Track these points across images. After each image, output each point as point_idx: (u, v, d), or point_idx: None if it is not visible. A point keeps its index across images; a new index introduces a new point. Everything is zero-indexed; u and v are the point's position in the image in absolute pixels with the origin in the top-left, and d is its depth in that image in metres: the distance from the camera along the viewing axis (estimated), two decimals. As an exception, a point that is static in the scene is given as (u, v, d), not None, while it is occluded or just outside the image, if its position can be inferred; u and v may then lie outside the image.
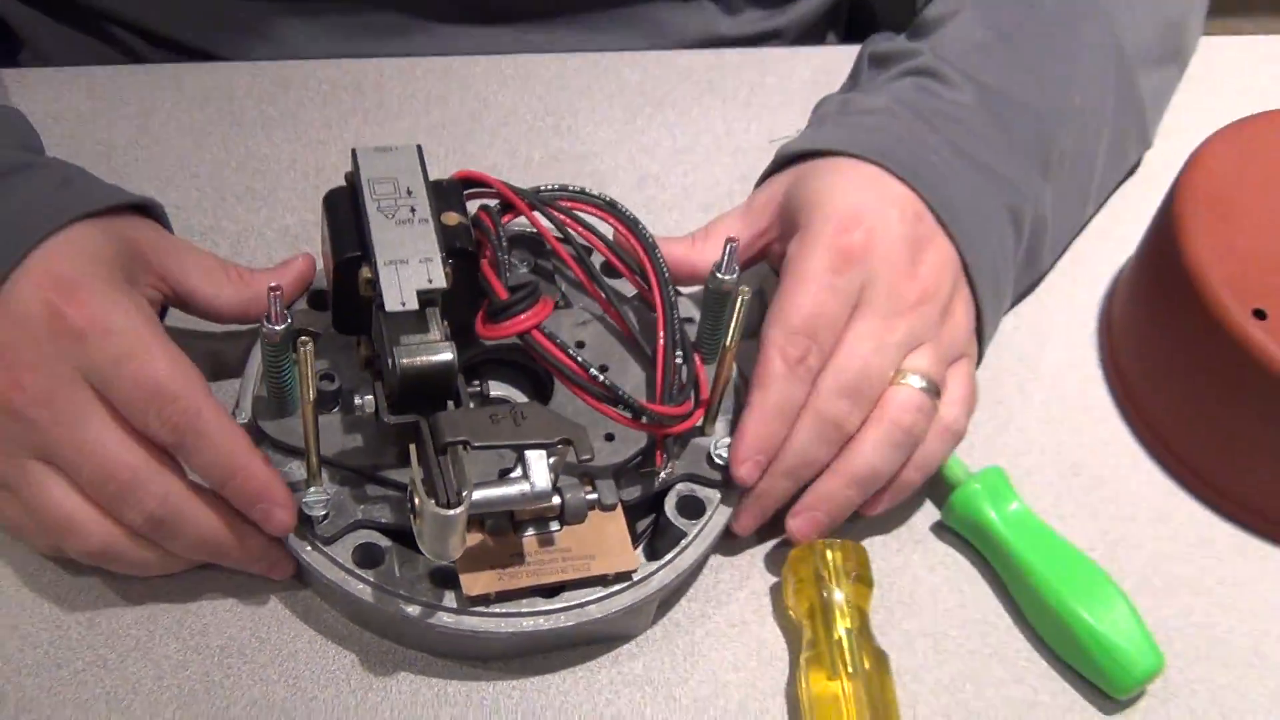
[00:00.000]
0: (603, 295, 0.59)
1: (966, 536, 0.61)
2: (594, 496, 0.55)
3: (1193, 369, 0.63)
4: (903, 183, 0.60)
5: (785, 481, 0.58)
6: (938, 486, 0.61)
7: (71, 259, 0.53)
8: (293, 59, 0.76)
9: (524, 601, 0.54)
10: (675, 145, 0.74)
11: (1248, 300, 0.61)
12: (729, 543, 0.59)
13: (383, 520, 0.54)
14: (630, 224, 0.59)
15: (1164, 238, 0.64)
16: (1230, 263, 0.62)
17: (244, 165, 0.70)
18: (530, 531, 0.54)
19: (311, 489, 0.54)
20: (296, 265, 0.59)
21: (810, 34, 0.89)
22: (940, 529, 0.62)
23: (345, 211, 0.55)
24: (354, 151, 0.56)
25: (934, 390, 0.58)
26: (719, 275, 0.56)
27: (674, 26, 0.82)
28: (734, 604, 0.58)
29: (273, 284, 0.51)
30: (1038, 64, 0.68)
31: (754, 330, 0.59)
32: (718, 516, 0.57)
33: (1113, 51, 0.69)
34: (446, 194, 0.56)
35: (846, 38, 0.93)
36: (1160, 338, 0.65)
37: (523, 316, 0.54)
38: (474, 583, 0.53)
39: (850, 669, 0.54)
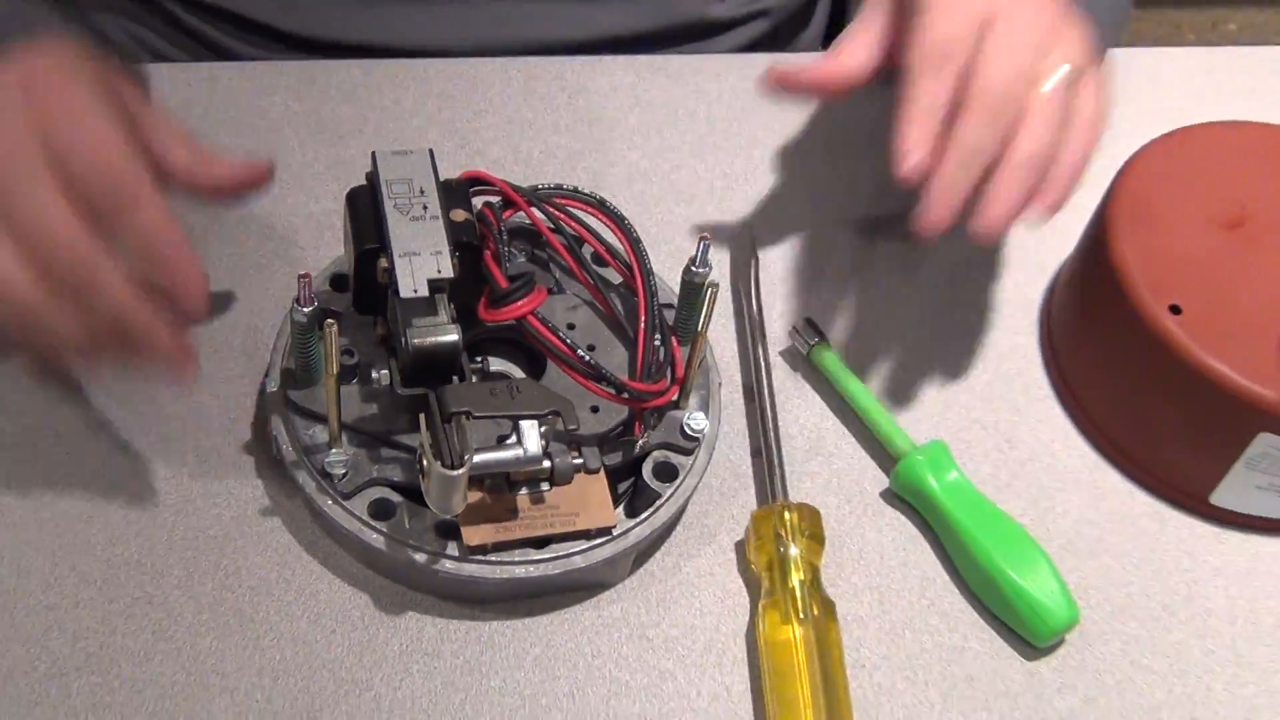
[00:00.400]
0: (591, 283, 0.66)
1: (910, 502, 0.67)
2: (579, 461, 0.61)
3: (1117, 357, 0.70)
4: None
5: (960, 171, 0.62)
6: (886, 457, 0.69)
7: (57, 63, 0.58)
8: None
9: (517, 551, 0.60)
10: (662, 144, 0.81)
11: (1165, 297, 0.67)
12: (703, 503, 0.66)
13: (394, 479, 0.61)
14: (617, 219, 0.66)
15: (1096, 238, 0.71)
16: (1151, 262, 0.68)
17: (272, 157, 0.77)
18: (523, 491, 0.61)
19: (333, 450, 0.61)
20: (258, 166, 0.64)
21: (798, 15, 0.95)
22: (887, 495, 0.68)
23: (365, 208, 0.62)
24: (374, 154, 0.63)
25: (1076, 79, 0.64)
26: (693, 269, 0.63)
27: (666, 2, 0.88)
28: (702, 558, 0.65)
29: (302, 272, 0.59)
30: None
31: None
32: (689, 480, 0.64)
33: None
34: (455, 193, 0.63)
35: (831, 16, 0.99)
36: (1090, 328, 0.72)
37: (520, 303, 0.61)
38: (474, 534, 0.60)
39: (801, 615, 0.61)
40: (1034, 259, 0.78)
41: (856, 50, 0.67)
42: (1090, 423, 0.72)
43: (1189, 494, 0.69)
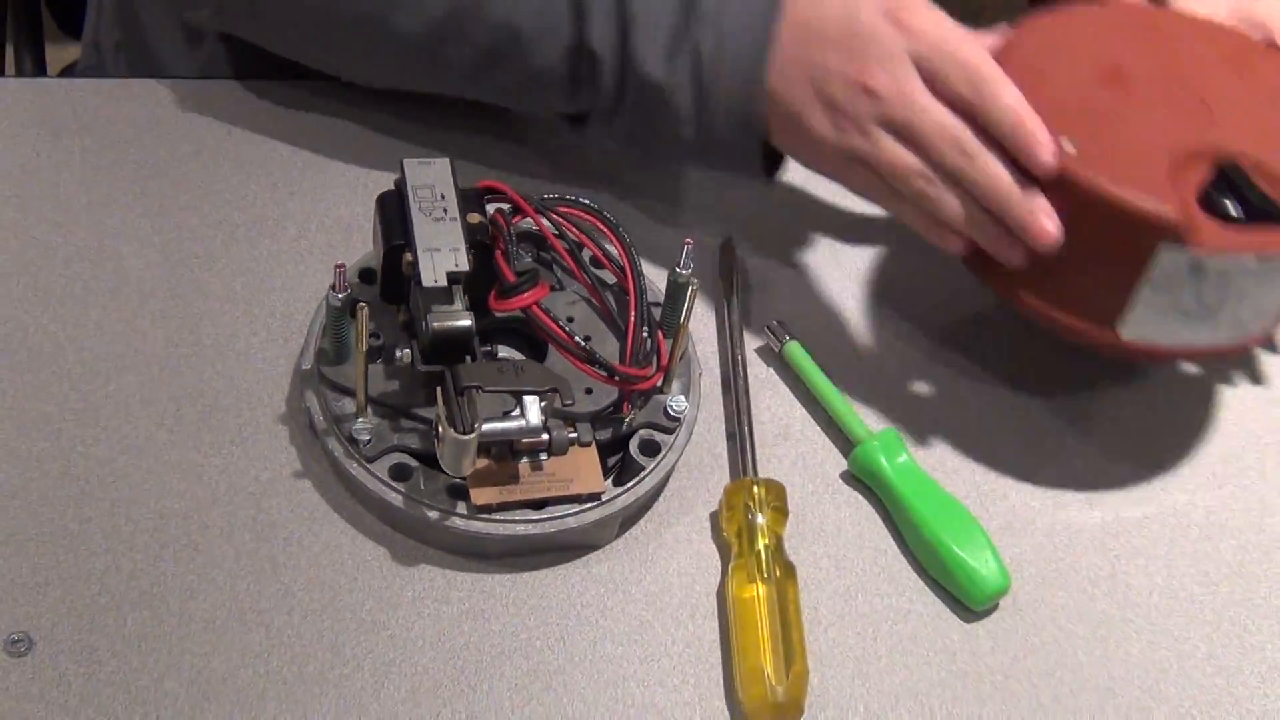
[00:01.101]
0: (589, 282, 0.74)
1: (866, 482, 0.75)
2: (574, 435, 0.69)
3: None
4: None
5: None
6: (845, 441, 0.77)
7: None
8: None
9: (517, 512, 0.68)
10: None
11: (1055, 136, 0.69)
12: (682, 477, 0.74)
13: (412, 446, 0.68)
14: (612, 227, 0.74)
15: None
16: (1040, 110, 0.70)
17: (309, 165, 0.86)
18: (524, 459, 0.68)
19: (359, 420, 0.68)
20: None
21: None
22: (846, 476, 0.76)
23: (393, 209, 0.70)
24: (402, 163, 0.71)
25: None
26: (678, 270, 0.71)
27: None
28: (680, 525, 0.73)
29: (338, 262, 0.67)
30: None
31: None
32: (670, 456, 0.71)
33: None
34: (471, 199, 0.71)
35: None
36: None
37: (525, 295, 0.69)
38: (481, 495, 0.67)
39: (765, 575, 0.68)
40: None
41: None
42: (1007, 283, 0.73)
43: (1102, 329, 0.71)
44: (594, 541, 0.71)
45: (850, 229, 0.89)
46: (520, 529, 0.68)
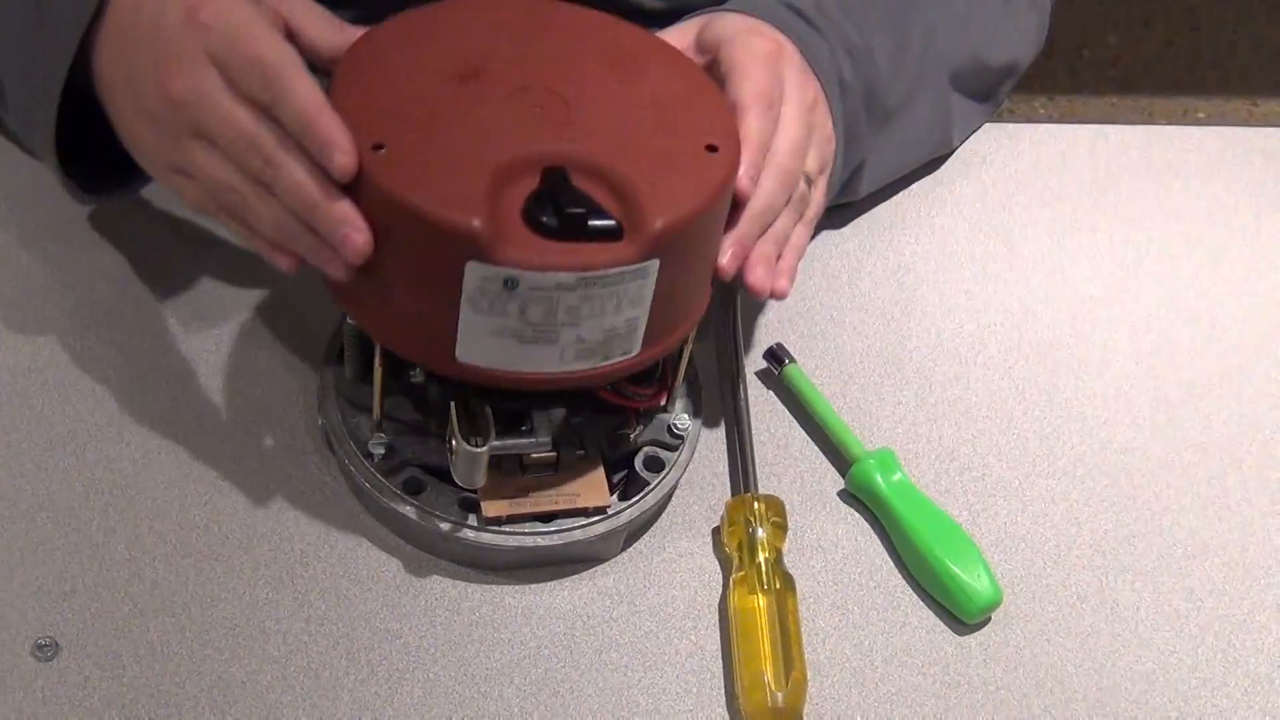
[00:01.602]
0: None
1: (862, 499, 0.77)
2: (582, 451, 0.71)
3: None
4: (782, 33, 0.76)
5: (757, 225, 0.70)
6: (842, 460, 0.79)
7: None
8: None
9: (527, 525, 0.70)
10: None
11: (370, 136, 0.63)
12: (685, 493, 0.77)
13: (425, 461, 0.71)
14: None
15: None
16: (363, 106, 0.64)
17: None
18: (534, 473, 0.71)
19: (375, 435, 0.71)
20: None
21: None
22: (843, 494, 0.78)
23: None
24: None
25: (809, 181, 0.74)
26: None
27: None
28: (683, 539, 0.75)
29: None
30: (862, 14, 0.83)
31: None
32: (673, 472, 0.74)
33: (927, 41, 0.86)
34: None
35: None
36: None
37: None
38: (491, 507, 0.70)
39: (765, 586, 0.71)
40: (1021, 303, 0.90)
41: None
42: (347, 300, 0.68)
43: (436, 354, 0.65)
44: (600, 554, 0.74)
45: (849, 251, 0.91)
46: (529, 541, 0.71)
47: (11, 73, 0.74)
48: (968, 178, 0.97)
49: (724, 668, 0.71)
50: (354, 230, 0.63)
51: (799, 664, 0.69)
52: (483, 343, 0.64)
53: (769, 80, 0.72)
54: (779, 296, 0.72)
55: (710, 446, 0.79)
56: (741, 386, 0.80)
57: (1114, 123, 2.22)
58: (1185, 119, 2.32)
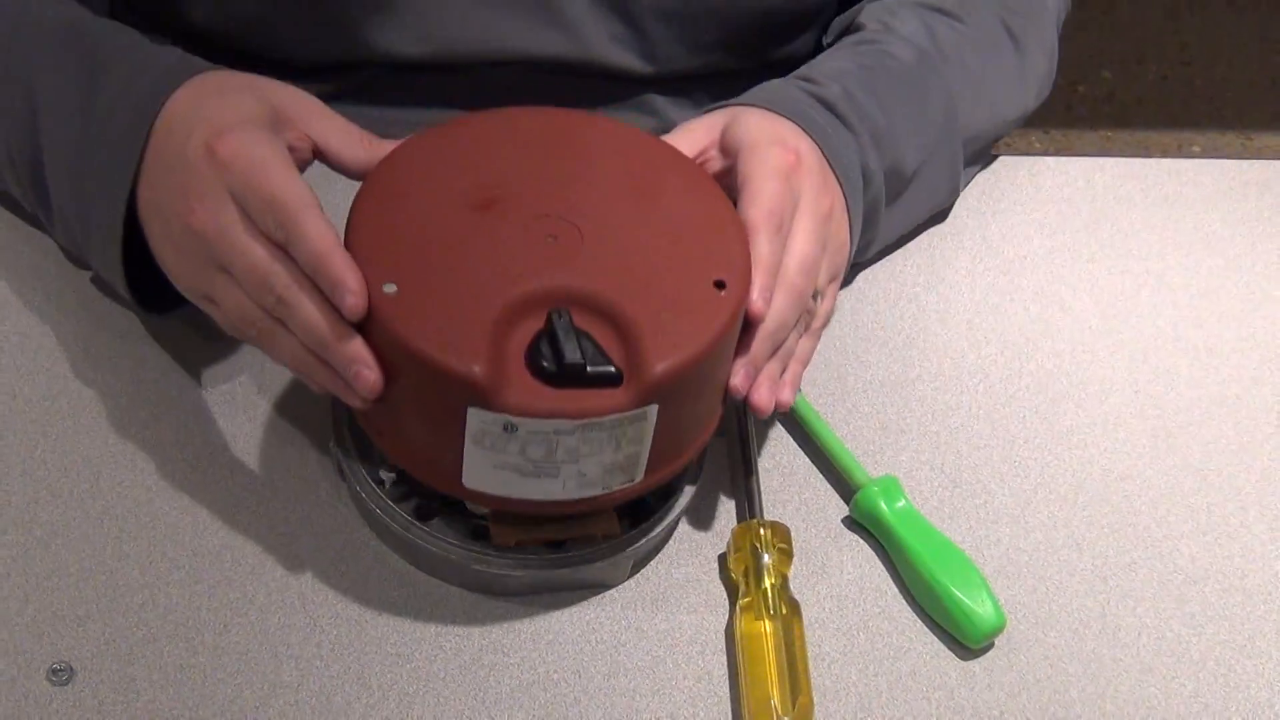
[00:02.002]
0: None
1: (867, 526, 0.78)
2: None
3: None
4: (803, 130, 0.78)
5: (768, 344, 0.70)
6: (847, 488, 0.80)
7: (226, 115, 0.68)
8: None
9: (536, 552, 0.71)
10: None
11: (383, 276, 0.64)
12: (692, 520, 0.78)
13: (436, 489, 0.71)
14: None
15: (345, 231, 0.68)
16: (378, 243, 0.66)
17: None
18: None
19: (385, 463, 0.72)
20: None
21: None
22: (847, 520, 0.79)
23: None
24: None
25: (818, 294, 0.75)
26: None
27: (666, 114, 1.00)
28: (690, 566, 0.76)
29: None
30: (885, 92, 0.85)
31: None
32: (681, 499, 0.74)
33: (945, 107, 0.88)
34: None
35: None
36: None
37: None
38: (501, 535, 0.71)
39: (771, 612, 0.72)
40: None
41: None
42: (367, 424, 0.70)
43: (445, 478, 0.68)
44: (608, 581, 0.74)
45: (853, 282, 0.92)
46: (539, 568, 0.71)
47: (62, 193, 0.76)
48: (968, 210, 0.98)
49: (731, 693, 0.71)
50: (365, 369, 0.65)
51: (805, 689, 0.70)
52: (488, 474, 0.66)
53: (781, 198, 0.72)
54: (782, 409, 0.73)
55: (716, 474, 0.80)
56: (747, 414, 0.81)
57: (1110, 156, 2.24)
58: (1180, 152, 2.34)
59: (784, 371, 0.74)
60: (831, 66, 0.86)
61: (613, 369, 0.64)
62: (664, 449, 0.68)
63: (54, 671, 0.68)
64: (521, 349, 0.64)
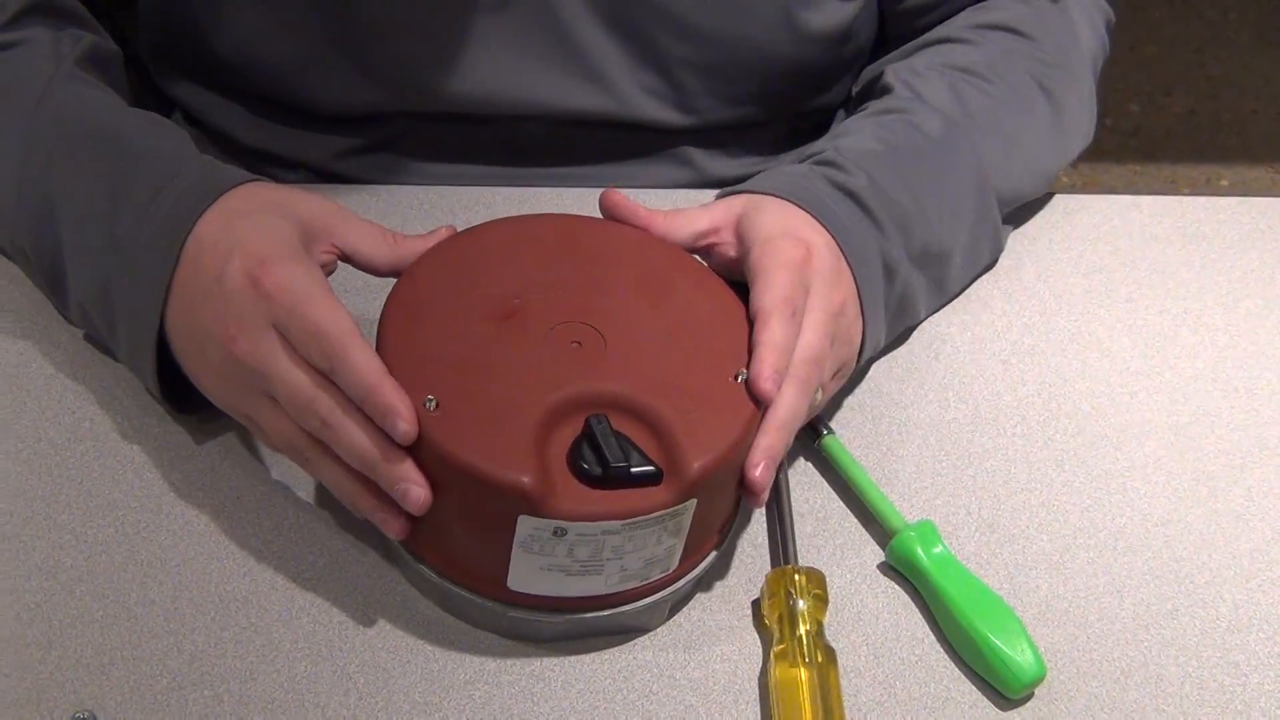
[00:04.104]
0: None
1: (903, 572, 0.77)
2: None
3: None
4: (819, 223, 0.78)
5: (786, 436, 0.71)
6: (882, 533, 0.79)
7: (262, 243, 0.69)
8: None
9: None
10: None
11: (423, 392, 0.66)
12: (723, 565, 0.77)
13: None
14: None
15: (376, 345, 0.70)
16: (413, 360, 0.68)
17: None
18: None
19: (416, 508, 0.72)
20: (439, 234, 0.74)
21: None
22: (884, 566, 0.78)
23: None
24: None
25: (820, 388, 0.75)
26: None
27: (701, 165, 1.01)
28: (724, 612, 0.75)
29: None
30: (912, 172, 0.84)
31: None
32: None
33: (977, 176, 0.87)
34: None
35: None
36: None
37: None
38: None
39: (806, 659, 0.70)
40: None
41: (683, 226, 0.78)
42: (412, 543, 0.71)
43: (490, 582, 0.69)
44: (644, 626, 0.74)
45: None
46: (573, 616, 0.70)
47: (84, 291, 0.77)
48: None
49: (766, 743, 0.70)
50: (415, 486, 0.66)
51: (842, 740, 0.69)
52: (534, 576, 0.68)
53: (792, 288, 0.73)
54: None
55: (750, 519, 0.79)
56: (781, 461, 0.79)
57: (1138, 191, 2.23)
58: (1209, 186, 2.32)
59: None
60: (858, 148, 0.84)
61: (653, 468, 0.67)
62: (696, 537, 0.71)
63: (77, 720, 0.67)
64: (562, 455, 0.67)
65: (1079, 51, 0.96)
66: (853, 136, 0.86)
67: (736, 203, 0.80)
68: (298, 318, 0.67)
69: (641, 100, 0.94)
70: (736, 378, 0.70)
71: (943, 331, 0.91)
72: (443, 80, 0.91)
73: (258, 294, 0.68)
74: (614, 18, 0.91)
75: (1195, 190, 2.33)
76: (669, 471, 0.67)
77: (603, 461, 0.66)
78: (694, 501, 0.68)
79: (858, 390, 0.87)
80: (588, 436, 0.67)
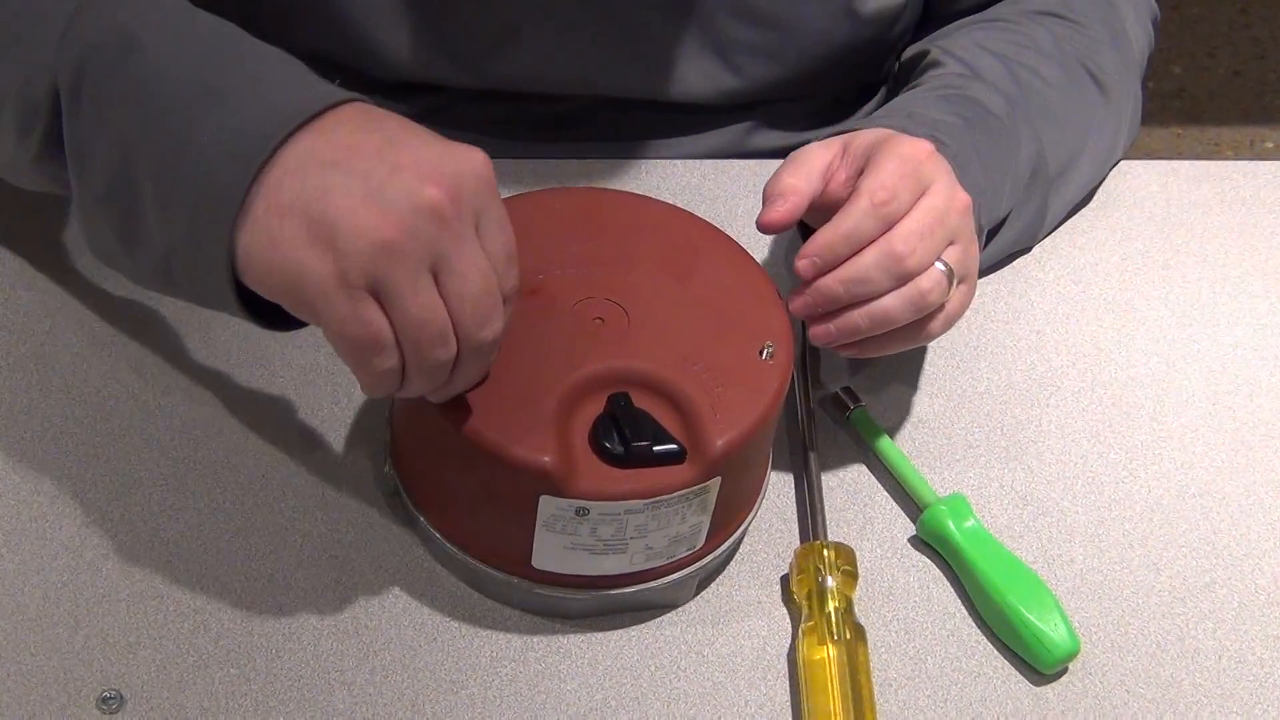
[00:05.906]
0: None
1: (934, 546, 0.76)
2: None
3: (424, 440, 0.70)
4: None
5: (839, 288, 0.69)
6: (913, 506, 0.78)
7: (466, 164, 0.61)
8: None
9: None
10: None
11: None
12: (752, 540, 0.76)
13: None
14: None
15: None
16: None
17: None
18: None
19: (440, 484, 0.72)
20: None
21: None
22: (915, 540, 0.77)
23: None
24: None
25: (952, 280, 0.71)
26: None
27: (741, 138, 0.98)
28: (753, 588, 0.74)
29: None
30: (984, 146, 0.81)
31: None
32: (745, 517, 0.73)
33: (1035, 158, 0.85)
34: None
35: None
36: (412, 422, 0.71)
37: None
38: None
39: (835, 637, 0.70)
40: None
41: (812, 174, 0.73)
42: (438, 519, 0.71)
43: (515, 561, 0.69)
44: (672, 602, 0.73)
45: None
46: (600, 592, 0.70)
47: (162, 228, 0.64)
48: (1036, 215, 0.96)
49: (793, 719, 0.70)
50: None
51: (870, 718, 0.68)
52: (558, 555, 0.68)
53: (897, 177, 0.70)
54: (830, 341, 0.71)
55: (778, 493, 0.78)
56: (810, 432, 0.79)
57: (1180, 154, 2.20)
58: (1253, 150, 2.29)
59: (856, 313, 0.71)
60: (929, 116, 0.81)
61: (676, 447, 0.66)
62: (723, 514, 0.70)
63: (104, 700, 0.67)
64: (584, 433, 0.66)
65: (1126, 43, 0.94)
66: (921, 105, 0.83)
67: (839, 138, 0.76)
68: (467, 273, 0.60)
69: (697, 82, 0.92)
70: (762, 354, 0.69)
71: (974, 301, 0.90)
72: (501, 55, 0.90)
73: (482, 168, 0.61)
74: (677, 1, 0.90)
75: (1238, 153, 2.29)
76: (693, 450, 0.66)
77: (625, 440, 0.65)
78: (719, 480, 0.67)
79: (886, 360, 0.85)
80: (610, 415, 0.66)
